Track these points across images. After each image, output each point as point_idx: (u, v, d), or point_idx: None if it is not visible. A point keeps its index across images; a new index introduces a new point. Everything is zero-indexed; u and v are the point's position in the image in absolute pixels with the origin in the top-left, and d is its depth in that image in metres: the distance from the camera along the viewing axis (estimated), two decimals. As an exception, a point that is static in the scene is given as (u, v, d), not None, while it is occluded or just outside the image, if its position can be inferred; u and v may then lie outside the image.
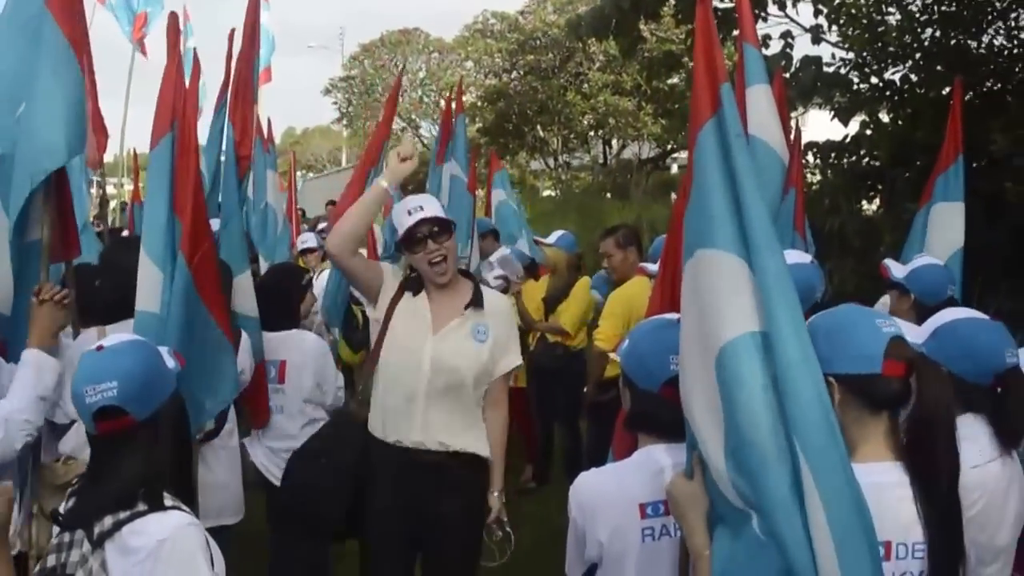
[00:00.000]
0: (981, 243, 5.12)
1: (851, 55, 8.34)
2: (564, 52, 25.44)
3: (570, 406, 6.55)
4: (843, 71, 8.26)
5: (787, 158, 3.85)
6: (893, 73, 8.21)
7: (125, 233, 8.34)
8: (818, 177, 8.72)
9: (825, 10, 8.32)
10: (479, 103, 27.71)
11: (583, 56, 24.96)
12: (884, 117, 8.32)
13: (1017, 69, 7.68)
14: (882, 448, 2.00)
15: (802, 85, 7.93)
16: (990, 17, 7.77)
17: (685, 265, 1.99)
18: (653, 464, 2.31)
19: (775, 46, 8.15)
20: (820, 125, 9.43)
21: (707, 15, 2.03)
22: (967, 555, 2.07)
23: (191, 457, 2.66)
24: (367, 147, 5.89)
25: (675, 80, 17.48)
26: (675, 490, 2.07)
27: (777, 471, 1.74)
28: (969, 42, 7.86)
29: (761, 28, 7.90)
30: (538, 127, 26.58)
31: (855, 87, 8.25)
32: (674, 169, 25.74)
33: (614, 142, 27.67)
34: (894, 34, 8.04)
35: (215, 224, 3.77)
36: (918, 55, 7.99)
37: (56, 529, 2.28)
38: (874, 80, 8.24)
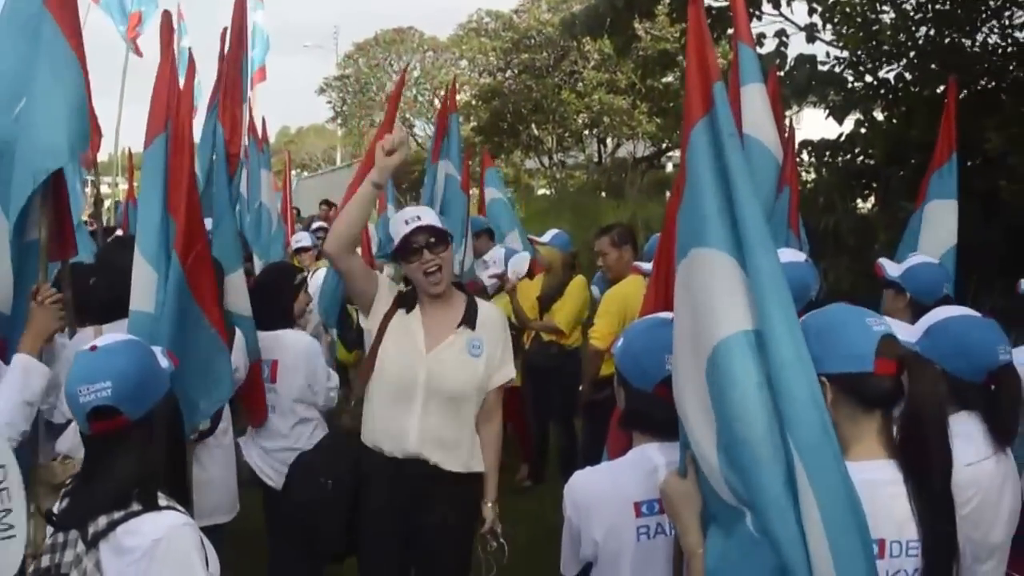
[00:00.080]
0: (976, 241, 5.13)
1: (845, 53, 8.37)
2: (559, 51, 25.47)
3: (565, 405, 6.55)
4: (837, 69, 8.28)
5: (781, 157, 3.85)
6: (887, 71, 8.23)
7: (119, 232, 8.32)
8: (813, 175, 8.74)
9: (819, 9, 8.34)
10: (474, 102, 27.72)
11: (578, 55, 24.99)
12: (879, 115, 8.35)
13: (1011, 68, 7.70)
14: (876, 446, 2.00)
15: (797, 83, 7.95)
16: (984, 16, 7.79)
17: (678, 264, 1.99)
18: (647, 463, 2.31)
19: (770, 44, 8.18)
20: (815, 123, 9.46)
21: (699, 15, 2.04)
22: (961, 552, 2.07)
23: (185, 457, 2.66)
24: (368, 148, 5.88)
25: (670, 79, 17.45)
26: (668, 489, 2.07)
27: (771, 469, 1.74)
28: (963, 41, 7.89)
29: (756, 26, 7.92)
30: (533, 126, 26.59)
31: (849, 85, 8.26)
32: (669, 168, 25.71)
33: (609, 141, 27.68)
34: (888, 33, 8.06)
35: (208, 223, 3.77)
36: (912, 54, 8.01)
37: (51, 529, 2.27)
38: (868, 78, 8.26)
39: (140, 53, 13.22)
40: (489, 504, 3.63)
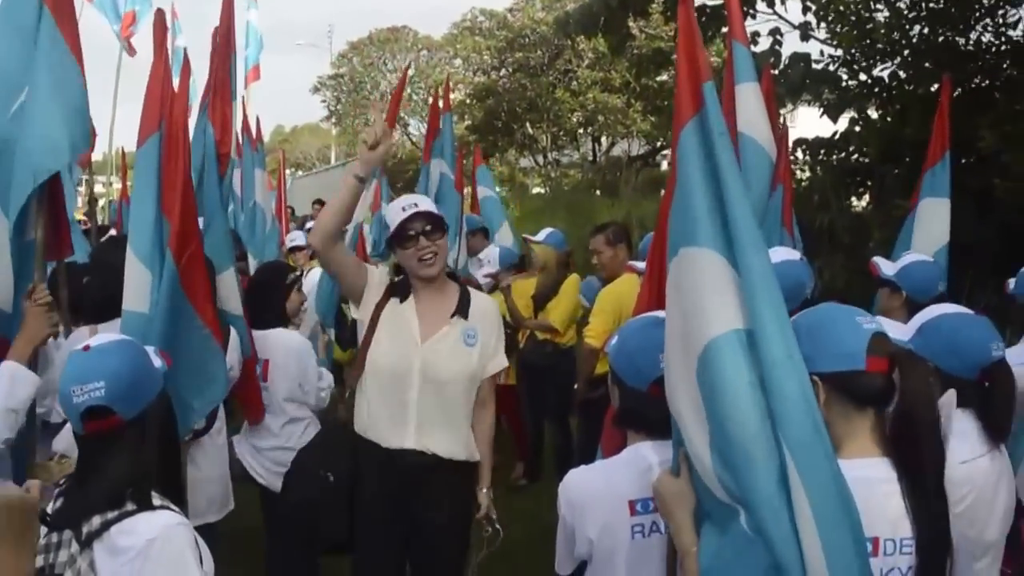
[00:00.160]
0: (970, 239, 5.14)
1: (840, 52, 8.38)
2: (553, 49, 25.46)
3: (560, 403, 6.54)
4: (832, 68, 8.30)
5: (775, 155, 3.85)
6: (882, 70, 8.25)
7: (113, 232, 8.30)
8: (807, 173, 8.75)
9: (813, 7, 8.35)
10: (468, 101, 27.70)
11: (572, 53, 24.98)
12: (873, 114, 8.36)
13: (1005, 66, 7.72)
14: (869, 444, 2.00)
15: (791, 82, 7.96)
16: (978, 14, 7.81)
17: (669, 263, 1.99)
18: (642, 461, 2.32)
19: (764, 43, 8.20)
20: (809, 122, 9.46)
21: (689, 14, 2.04)
22: (956, 550, 2.07)
23: (179, 456, 2.65)
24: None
25: (664, 77, 17.48)
26: (662, 487, 2.07)
27: (764, 468, 1.75)
28: (957, 39, 7.90)
29: (750, 25, 7.93)
30: (527, 124, 26.58)
31: (844, 84, 8.28)
32: (663, 166, 25.68)
33: (603, 139, 27.70)
34: (882, 31, 8.08)
35: (200, 223, 3.77)
36: (906, 52, 8.02)
37: (45, 529, 2.27)
38: (863, 77, 8.28)
39: (134, 52, 13.19)
40: (484, 490, 3.66)
